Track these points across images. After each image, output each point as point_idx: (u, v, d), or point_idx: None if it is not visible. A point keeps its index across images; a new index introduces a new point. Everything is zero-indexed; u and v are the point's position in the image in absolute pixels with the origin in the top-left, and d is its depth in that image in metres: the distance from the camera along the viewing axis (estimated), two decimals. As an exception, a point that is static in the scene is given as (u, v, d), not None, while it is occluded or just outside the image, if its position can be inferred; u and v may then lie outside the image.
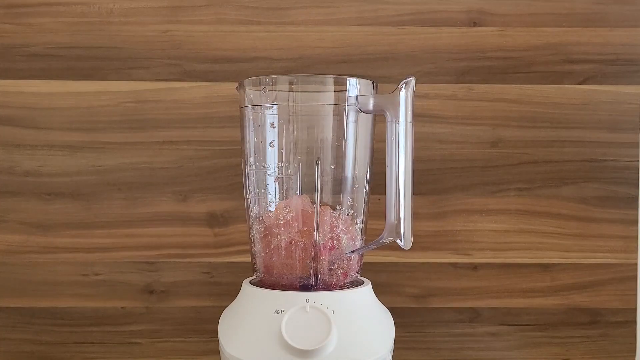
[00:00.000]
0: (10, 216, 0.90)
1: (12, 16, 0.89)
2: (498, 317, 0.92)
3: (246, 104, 0.74)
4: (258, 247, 0.73)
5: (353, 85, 0.71)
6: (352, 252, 0.73)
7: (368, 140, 0.74)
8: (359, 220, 0.74)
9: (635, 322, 0.78)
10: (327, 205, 0.72)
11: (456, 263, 0.91)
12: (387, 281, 0.91)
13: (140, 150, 0.90)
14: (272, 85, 0.72)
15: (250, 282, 0.73)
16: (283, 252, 0.71)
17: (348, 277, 0.73)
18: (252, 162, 0.74)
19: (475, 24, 0.90)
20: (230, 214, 0.90)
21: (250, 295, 0.71)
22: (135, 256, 0.91)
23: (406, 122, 0.68)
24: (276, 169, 0.72)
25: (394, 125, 0.68)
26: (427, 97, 0.90)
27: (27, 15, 0.89)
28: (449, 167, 0.91)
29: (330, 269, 0.72)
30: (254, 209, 0.74)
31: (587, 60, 0.90)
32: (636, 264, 0.77)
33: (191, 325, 0.91)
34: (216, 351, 0.71)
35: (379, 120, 0.73)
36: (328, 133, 0.72)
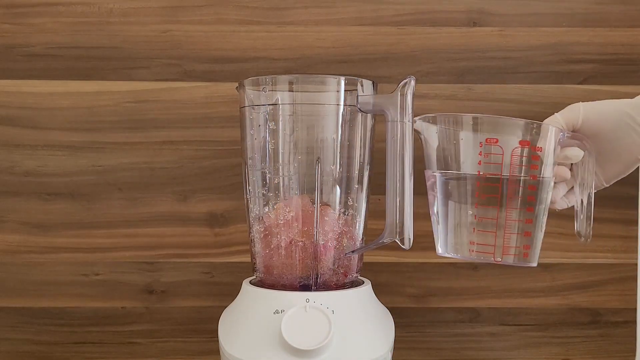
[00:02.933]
0: (10, 216, 0.90)
1: (12, 16, 0.89)
2: (498, 317, 0.92)
3: (246, 104, 0.74)
4: (258, 247, 0.73)
5: (353, 85, 0.71)
6: (352, 252, 0.73)
7: (368, 140, 0.74)
8: (359, 220, 0.74)
9: (635, 322, 0.78)
10: (327, 205, 0.72)
11: (456, 263, 0.91)
12: (387, 281, 0.91)
13: (140, 150, 0.90)
14: (272, 85, 0.72)
15: (250, 282, 0.73)
16: (283, 252, 0.71)
17: (348, 277, 0.73)
18: (252, 162, 0.74)
19: (475, 24, 0.90)
20: (230, 214, 0.90)
21: (250, 295, 0.71)
22: (135, 256, 0.91)
23: (406, 122, 0.68)
24: (276, 169, 0.72)
25: (394, 125, 0.68)
26: (427, 97, 0.90)
27: (27, 15, 0.89)
28: (449, 167, 0.91)
29: (330, 269, 0.72)
30: (254, 209, 0.74)
31: (587, 60, 0.90)
32: (636, 264, 0.77)
33: (191, 325, 0.91)
34: (216, 351, 0.71)
35: (379, 120, 0.73)
36: (328, 133, 0.72)
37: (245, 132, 0.74)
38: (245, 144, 0.75)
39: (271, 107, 0.72)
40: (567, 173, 0.69)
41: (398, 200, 0.68)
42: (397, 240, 0.68)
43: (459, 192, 0.69)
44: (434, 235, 0.72)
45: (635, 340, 0.78)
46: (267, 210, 0.73)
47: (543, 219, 0.69)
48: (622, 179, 0.91)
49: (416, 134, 0.70)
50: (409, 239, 0.69)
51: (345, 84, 0.71)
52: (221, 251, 0.91)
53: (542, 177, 0.67)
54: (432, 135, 0.70)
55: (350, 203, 0.73)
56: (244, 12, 0.90)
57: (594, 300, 0.92)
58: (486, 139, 0.66)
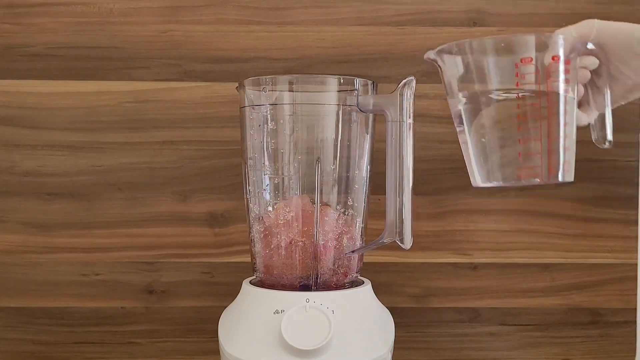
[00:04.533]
0: (10, 216, 0.90)
1: (12, 16, 0.89)
2: (498, 317, 0.92)
3: (246, 104, 0.74)
4: (258, 247, 0.73)
5: (352, 85, 0.71)
6: (352, 252, 0.73)
7: (368, 140, 0.74)
8: (359, 220, 0.74)
9: (635, 322, 0.78)
10: (327, 205, 0.72)
11: (456, 263, 0.92)
12: (387, 281, 0.91)
13: (140, 150, 0.90)
14: (272, 85, 0.72)
15: (250, 282, 0.73)
16: (283, 252, 0.71)
17: (348, 277, 0.73)
18: (252, 162, 0.74)
19: (475, 24, 0.90)
20: (230, 214, 0.90)
21: (250, 295, 0.71)
22: (135, 256, 0.91)
23: (406, 122, 0.68)
24: (276, 169, 0.72)
25: (394, 125, 0.68)
26: (427, 97, 0.90)
27: (27, 15, 0.89)
28: (449, 167, 0.91)
29: (330, 269, 0.72)
30: (254, 209, 0.74)
31: (587, 60, 0.90)
32: (636, 264, 0.77)
33: (191, 325, 0.91)
34: (216, 351, 0.71)
35: (379, 120, 0.73)
36: (328, 133, 0.72)
37: (245, 132, 0.74)
38: (245, 144, 0.75)
39: (271, 107, 0.72)
40: (587, 74, 0.69)
41: (398, 200, 0.68)
42: (397, 240, 0.69)
43: (497, 119, 0.66)
44: (469, 168, 0.69)
45: (635, 340, 0.78)
46: (267, 210, 0.73)
47: (575, 132, 0.68)
48: (622, 178, 0.91)
49: (433, 63, 0.68)
50: (409, 239, 0.69)
51: (344, 84, 0.71)
52: (221, 251, 0.91)
53: (574, 90, 0.66)
54: (455, 64, 0.67)
55: (350, 203, 0.73)
56: (244, 12, 0.90)
57: (594, 300, 0.92)
58: (521, 59, 0.64)
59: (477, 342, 0.92)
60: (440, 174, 0.91)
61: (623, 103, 0.70)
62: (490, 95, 0.66)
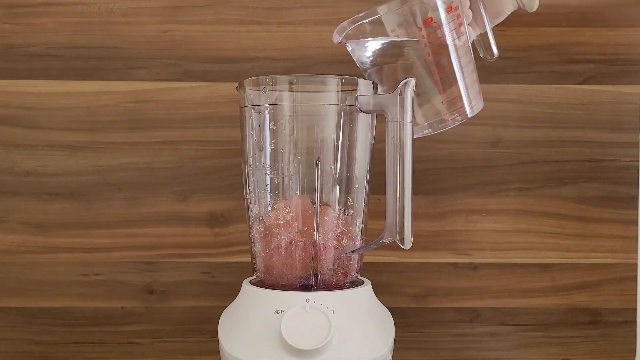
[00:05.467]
0: (10, 216, 0.90)
1: (12, 16, 0.89)
2: (498, 317, 0.92)
3: (246, 104, 0.74)
4: (258, 247, 0.73)
5: (353, 85, 0.71)
6: (352, 252, 0.73)
7: (368, 140, 0.74)
8: (359, 220, 0.74)
9: (635, 322, 0.78)
10: (327, 205, 0.72)
11: (456, 263, 0.91)
12: (387, 281, 0.91)
13: (140, 150, 0.90)
14: (272, 85, 0.72)
15: (250, 282, 0.73)
16: (283, 252, 0.71)
17: (348, 277, 0.73)
18: (252, 162, 0.74)
19: (475, 24, 0.90)
20: (230, 214, 0.90)
21: (250, 295, 0.71)
22: (135, 256, 0.91)
23: (406, 122, 0.68)
24: (276, 169, 0.72)
25: (394, 125, 0.68)
26: (427, 97, 0.90)
27: (27, 15, 0.89)
28: (449, 167, 0.91)
29: (330, 269, 0.72)
30: (254, 209, 0.74)
31: (587, 60, 0.90)
32: (636, 264, 0.77)
33: (191, 325, 0.91)
34: (216, 351, 0.71)
35: (379, 120, 0.73)
36: (328, 133, 0.72)
37: (245, 132, 0.74)
38: (245, 144, 0.75)
39: (271, 107, 0.72)
40: (467, 2, 0.75)
41: (398, 200, 0.68)
42: (397, 241, 0.68)
43: (415, 76, 0.71)
44: None
45: (635, 340, 0.78)
46: (267, 210, 0.73)
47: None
48: (622, 178, 0.91)
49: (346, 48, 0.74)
50: (409, 239, 0.69)
51: (345, 84, 0.71)
52: (221, 251, 0.91)
53: (465, 27, 0.73)
54: (364, 42, 0.73)
55: (350, 203, 0.73)
56: (244, 12, 0.90)
57: (594, 300, 0.92)
58: (423, 22, 0.70)
59: (477, 342, 0.92)
60: (440, 174, 0.91)
61: (492, 26, 0.77)
62: (404, 59, 0.73)
